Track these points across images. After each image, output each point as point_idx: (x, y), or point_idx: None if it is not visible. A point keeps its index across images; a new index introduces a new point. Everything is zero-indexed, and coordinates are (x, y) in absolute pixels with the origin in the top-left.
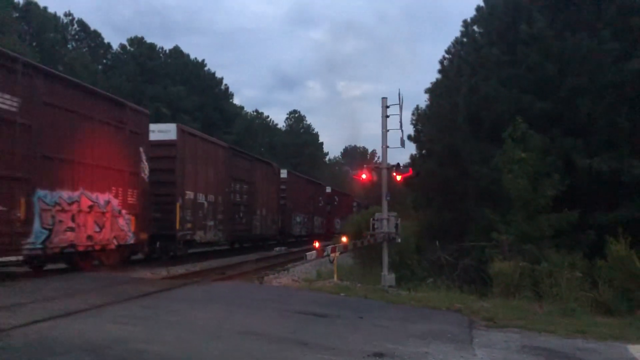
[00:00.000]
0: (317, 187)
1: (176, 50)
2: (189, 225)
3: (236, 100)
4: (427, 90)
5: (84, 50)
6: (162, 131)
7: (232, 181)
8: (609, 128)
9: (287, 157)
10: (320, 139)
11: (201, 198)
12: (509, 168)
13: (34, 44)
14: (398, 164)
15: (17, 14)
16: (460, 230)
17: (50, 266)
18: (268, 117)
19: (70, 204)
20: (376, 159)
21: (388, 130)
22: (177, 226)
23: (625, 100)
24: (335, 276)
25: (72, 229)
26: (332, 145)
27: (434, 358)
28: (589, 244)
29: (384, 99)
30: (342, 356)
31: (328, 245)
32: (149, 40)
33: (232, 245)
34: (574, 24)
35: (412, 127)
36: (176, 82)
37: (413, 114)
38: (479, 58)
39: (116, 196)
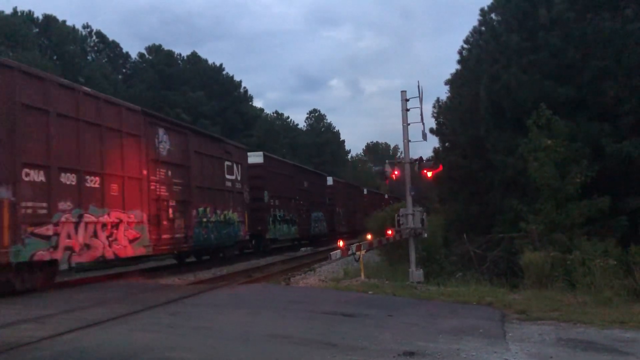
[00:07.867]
0: (380, 196)
1: (194, 56)
2: (337, 224)
3: (260, 104)
4: (447, 82)
5: (104, 61)
6: (328, 181)
7: (348, 200)
8: (637, 110)
9: (309, 156)
10: (342, 137)
11: (340, 211)
12: (535, 156)
13: (55, 57)
14: (421, 157)
15: (37, 29)
16: (488, 222)
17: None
18: (288, 117)
19: (316, 217)
20: (399, 154)
21: (409, 124)
22: (336, 224)
23: None
24: (362, 274)
25: (317, 227)
26: (355, 143)
27: (466, 355)
28: (622, 230)
29: (403, 92)
30: (372, 357)
31: (352, 243)
32: (174, 48)
33: (351, 232)
34: (595, 5)
35: (433, 119)
36: (195, 87)
37: (434, 107)
38: (499, 46)
39: (323, 214)
